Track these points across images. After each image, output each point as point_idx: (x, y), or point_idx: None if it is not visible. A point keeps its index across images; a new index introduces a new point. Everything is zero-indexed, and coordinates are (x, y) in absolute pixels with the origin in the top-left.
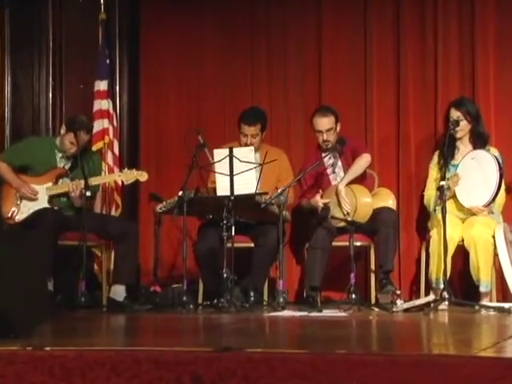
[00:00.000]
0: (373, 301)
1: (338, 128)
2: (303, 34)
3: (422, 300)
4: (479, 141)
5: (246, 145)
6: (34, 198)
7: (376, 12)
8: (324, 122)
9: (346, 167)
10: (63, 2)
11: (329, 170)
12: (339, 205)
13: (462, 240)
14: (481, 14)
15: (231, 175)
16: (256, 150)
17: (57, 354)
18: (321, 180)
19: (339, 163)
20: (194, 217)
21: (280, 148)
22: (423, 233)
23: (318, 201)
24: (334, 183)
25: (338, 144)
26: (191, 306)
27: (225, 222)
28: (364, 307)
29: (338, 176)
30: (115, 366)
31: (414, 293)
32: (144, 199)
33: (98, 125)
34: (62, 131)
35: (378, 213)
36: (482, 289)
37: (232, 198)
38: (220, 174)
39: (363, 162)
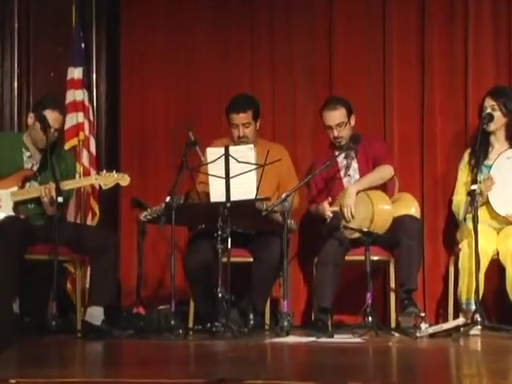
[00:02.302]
0: (393, 324)
1: (352, 122)
2: (311, 17)
3: (451, 324)
4: None
5: (239, 138)
6: None
7: None
8: (334, 116)
9: (363, 170)
10: None
11: (342, 172)
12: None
13: (497, 253)
14: None
15: (227, 178)
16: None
17: None
18: (332, 184)
19: (354, 164)
20: (184, 226)
21: (286, 147)
22: (451, 245)
23: (326, 209)
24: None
25: (350, 141)
26: (180, 331)
27: (219, 232)
28: (382, 332)
29: (353, 179)
30: None
31: (440, 315)
32: (125, 206)
33: (72, 119)
34: (30, 120)
35: (398, 222)
36: None
37: (228, 204)
38: (214, 176)
39: (386, 173)
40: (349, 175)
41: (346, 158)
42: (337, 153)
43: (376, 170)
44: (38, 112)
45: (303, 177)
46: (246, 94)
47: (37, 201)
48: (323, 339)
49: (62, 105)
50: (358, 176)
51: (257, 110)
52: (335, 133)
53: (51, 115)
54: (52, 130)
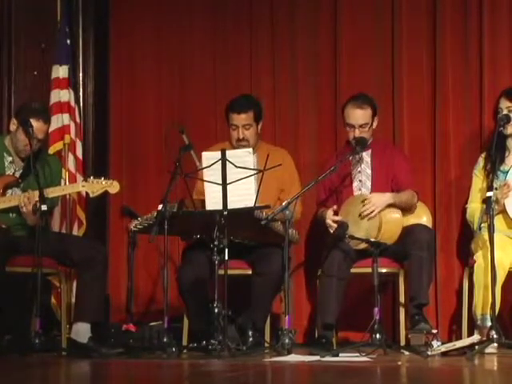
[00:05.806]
0: (402, 342)
1: (375, 124)
2: (315, 12)
3: (465, 341)
4: None
5: (239, 140)
6: None
7: None
8: (358, 116)
9: (376, 177)
10: None
11: (353, 177)
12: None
13: None
14: None
15: (224, 184)
16: (253, 150)
17: None
18: (341, 188)
19: (368, 170)
20: (178, 236)
21: (286, 149)
22: (465, 257)
23: (328, 217)
24: (356, 193)
25: (357, 145)
26: (174, 350)
27: (216, 243)
28: (391, 350)
29: (364, 186)
30: None
31: (454, 332)
32: (114, 215)
33: (57, 121)
34: (13, 126)
35: (408, 231)
36: None
37: (225, 212)
38: (210, 182)
39: (414, 202)
40: (360, 181)
41: (358, 161)
42: (348, 155)
43: (408, 193)
44: (22, 118)
45: (307, 183)
46: (248, 95)
47: (19, 209)
48: (327, 358)
49: (46, 113)
50: (369, 183)
51: (259, 112)
52: (356, 133)
53: (35, 125)
54: (35, 140)
